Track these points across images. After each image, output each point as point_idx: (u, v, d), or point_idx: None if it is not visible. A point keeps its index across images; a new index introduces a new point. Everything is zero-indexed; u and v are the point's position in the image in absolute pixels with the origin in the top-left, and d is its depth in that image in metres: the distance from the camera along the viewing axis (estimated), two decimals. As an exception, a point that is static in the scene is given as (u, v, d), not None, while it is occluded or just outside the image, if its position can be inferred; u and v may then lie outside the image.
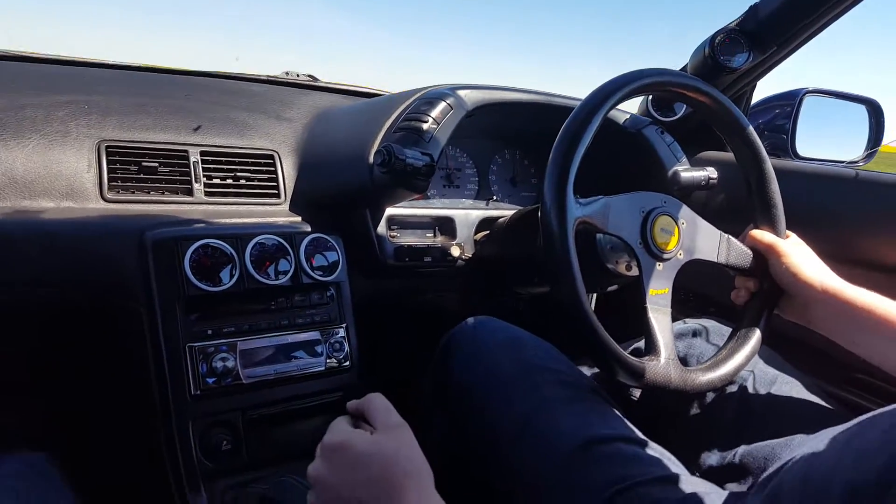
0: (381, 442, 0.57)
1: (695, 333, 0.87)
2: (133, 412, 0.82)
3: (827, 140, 1.17)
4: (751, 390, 0.77)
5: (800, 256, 0.76)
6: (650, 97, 1.16)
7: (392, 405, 0.62)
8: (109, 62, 1.04)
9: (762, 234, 0.78)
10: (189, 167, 0.90)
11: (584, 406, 0.71)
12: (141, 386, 0.79)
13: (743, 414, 0.76)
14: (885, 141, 1.14)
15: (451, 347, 0.80)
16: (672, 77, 0.75)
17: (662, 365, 0.68)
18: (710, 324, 0.89)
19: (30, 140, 0.81)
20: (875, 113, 1.15)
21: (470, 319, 0.83)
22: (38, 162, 0.80)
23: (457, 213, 1.04)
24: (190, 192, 0.90)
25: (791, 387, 0.77)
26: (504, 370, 0.74)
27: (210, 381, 0.79)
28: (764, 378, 0.78)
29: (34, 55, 0.98)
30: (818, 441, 0.60)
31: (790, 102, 1.11)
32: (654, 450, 0.66)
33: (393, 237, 0.98)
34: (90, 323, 0.83)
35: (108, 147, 0.85)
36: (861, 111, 1.15)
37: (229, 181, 0.93)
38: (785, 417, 0.73)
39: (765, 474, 0.68)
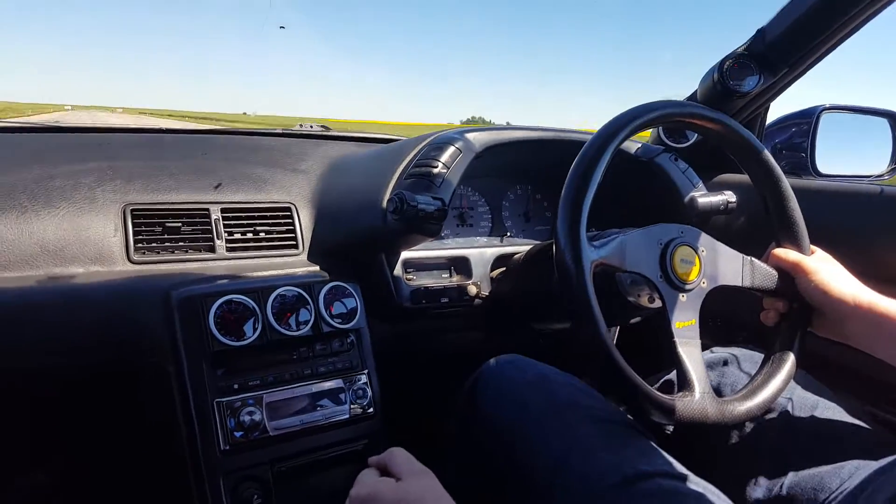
0: (408, 488, 0.57)
1: (725, 363, 0.85)
2: (163, 470, 0.83)
3: (849, 156, 1.14)
4: (792, 416, 0.75)
5: (828, 272, 0.73)
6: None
7: (413, 456, 0.62)
8: (129, 126, 1.09)
9: (786, 253, 0.76)
10: (210, 225, 0.93)
11: (619, 442, 0.69)
12: (170, 444, 0.81)
13: (786, 442, 0.73)
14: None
15: (479, 387, 0.79)
16: (679, 108, 0.75)
17: (698, 400, 0.66)
18: (739, 352, 0.86)
19: (59, 209, 0.85)
20: (897, 125, 1.12)
21: (496, 358, 0.82)
22: (67, 229, 0.84)
23: (471, 252, 1.04)
24: (212, 249, 0.92)
25: (833, 411, 0.75)
26: (534, 409, 0.73)
27: (238, 434, 0.80)
28: (804, 403, 0.76)
29: (62, 126, 1.04)
30: (868, 466, 0.57)
31: (807, 120, 1.09)
32: (697, 484, 0.64)
33: (409, 280, 0.99)
34: (119, 384, 0.86)
35: (133, 210, 0.89)
36: (883, 125, 1.13)
37: (249, 235, 0.96)
38: (831, 443, 0.70)
39: (818, 502, 0.65)
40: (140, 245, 0.88)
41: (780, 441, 0.74)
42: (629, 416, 0.87)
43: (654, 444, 0.70)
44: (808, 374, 0.81)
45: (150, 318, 0.82)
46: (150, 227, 0.90)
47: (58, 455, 0.89)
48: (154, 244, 0.90)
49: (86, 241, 0.85)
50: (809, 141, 1.08)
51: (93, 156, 0.95)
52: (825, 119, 1.09)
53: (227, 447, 0.79)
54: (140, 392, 0.85)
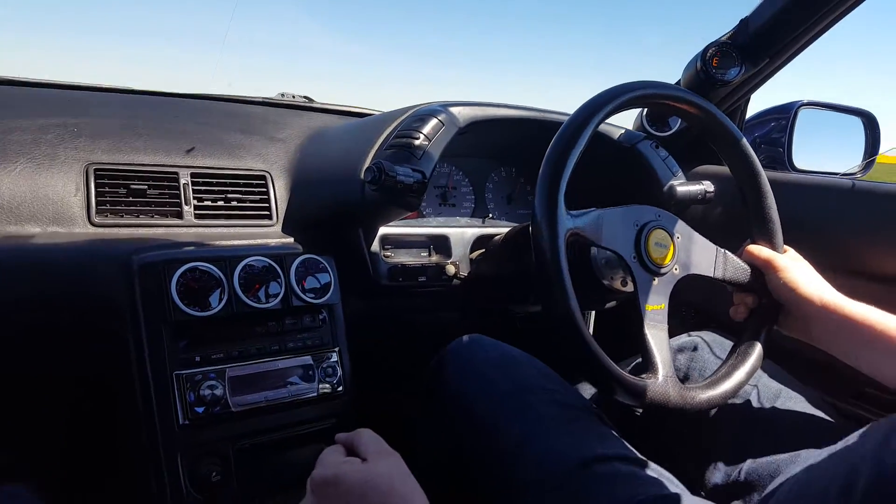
0: (373, 470, 0.55)
1: (696, 347, 0.86)
2: (118, 443, 0.79)
3: (823, 152, 1.16)
4: (755, 405, 0.76)
5: (798, 271, 0.75)
6: (644, 112, 1.16)
7: (381, 437, 0.61)
8: (101, 86, 1.04)
9: (759, 250, 0.78)
10: (179, 189, 0.89)
11: (579, 425, 0.70)
12: (127, 416, 0.77)
13: (747, 429, 0.75)
14: (881, 151, 1.13)
15: (444, 365, 0.79)
16: (662, 90, 0.75)
17: (660, 383, 0.66)
18: (711, 337, 0.87)
19: (16, 164, 0.80)
20: (870, 125, 1.14)
21: (463, 337, 0.82)
22: (24, 186, 0.79)
23: (452, 232, 1.02)
24: (179, 215, 0.88)
25: (796, 401, 0.76)
26: (498, 388, 0.73)
27: (198, 410, 0.76)
28: (768, 392, 0.77)
29: (22, 79, 0.98)
30: (819, 455, 0.59)
31: (785, 115, 1.11)
32: (653, 469, 0.65)
33: (387, 256, 0.97)
34: (75, 350, 0.81)
35: (96, 170, 0.84)
36: (857, 123, 1.15)
37: (220, 203, 0.92)
38: (790, 432, 0.72)
39: (769, 489, 0.66)
40: (102, 207, 0.84)
41: (742, 428, 0.75)
42: (598, 395, 0.87)
43: (613, 431, 0.71)
44: (776, 365, 0.82)
45: (110, 282, 0.78)
46: (114, 189, 0.85)
47: (11, 423, 0.84)
48: (118, 207, 0.85)
49: (44, 199, 0.80)
50: (787, 136, 1.10)
51: (57, 111, 0.90)
52: (802, 115, 1.11)
53: (186, 422, 0.76)
54: (95, 360, 0.80)
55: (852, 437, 0.56)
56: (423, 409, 0.80)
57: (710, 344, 0.85)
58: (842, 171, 1.13)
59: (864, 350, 0.68)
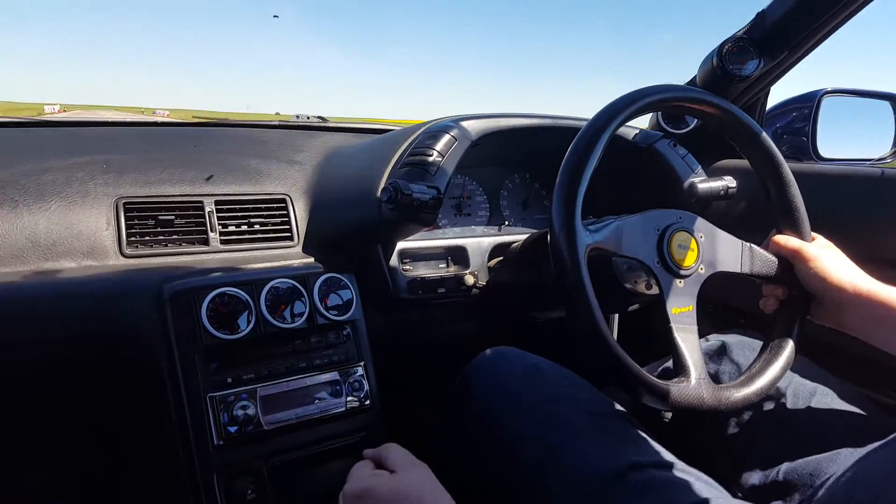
0: (402, 480, 0.56)
1: (723, 349, 0.84)
2: (157, 466, 0.82)
3: (851, 139, 1.13)
4: (790, 405, 0.75)
5: (828, 259, 0.73)
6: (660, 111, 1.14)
7: (408, 451, 0.61)
8: (124, 120, 1.08)
9: (786, 240, 0.76)
10: (204, 217, 0.92)
11: (612, 434, 0.69)
12: (163, 439, 0.80)
13: (783, 430, 0.73)
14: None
15: (471, 380, 0.79)
16: (676, 93, 0.74)
17: (693, 385, 0.65)
18: (736, 339, 0.86)
19: (51, 202, 0.84)
20: (899, 107, 1.10)
21: (488, 351, 0.82)
22: (59, 223, 0.83)
23: (469, 242, 1.03)
24: (206, 242, 0.91)
25: (832, 398, 0.74)
26: (525, 401, 0.73)
27: (232, 429, 0.79)
28: (802, 391, 0.76)
29: (54, 120, 1.03)
30: (864, 454, 0.57)
31: (808, 104, 1.08)
32: (690, 474, 0.64)
33: (406, 270, 0.98)
34: (111, 378, 0.84)
35: (125, 204, 0.88)
36: (885, 107, 1.11)
37: (244, 227, 0.95)
38: (828, 430, 0.70)
39: (811, 490, 0.65)
40: (133, 238, 0.87)
41: (777, 429, 0.74)
42: (626, 400, 0.86)
43: (647, 436, 0.69)
44: (807, 360, 0.80)
45: (143, 311, 0.81)
46: (143, 221, 0.89)
47: (50, 451, 0.88)
48: (147, 237, 0.89)
49: (78, 235, 0.84)
50: (811, 125, 1.07)
51: (85, 149, 0.94)
52: (826, 103, 1.08)
53: (221, 442, 0.78)
54: (132, 386, 0.84)
55: None
56: (449, 422, 0.80)
57: (735, 345, 0.84)
58: (871, 157, 1.10)
59: None
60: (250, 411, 0.80)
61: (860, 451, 0.62)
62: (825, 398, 0.74)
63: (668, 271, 0.70)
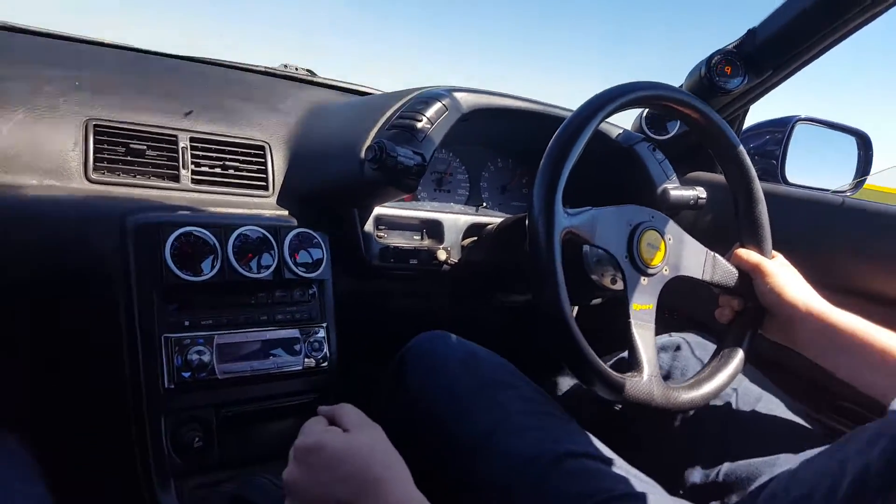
0: (355, 439, 0.56)
1: (679, 347, 0.87)
2: (104, 403, 0.79)
3: (815, 168, 1.18)
4: (735, 407, 0.78)
5: (785, 277, 0.76)
6: (644, 114, 1.17)
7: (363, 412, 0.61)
8: (106, 41, 1.02)
9: (748, 254, 0.79)
10: (177, 153, 0.88)
11: (548, 422, 0.71)
12: (113, 376, 0.77)
13: (727, 431, 0.76)
14: (872, 172, 1.15)
15: (407, 361, 0.79)
16: (666, 91, 0.75)
17: (645, 382, 0.68)
18: (693, 338, 0.89)
19: (15, 112, 0.79)
20: (864, 145, 1.16)
21: (426, 333, 0.82)
22: (22, 136, 0.78)
23: (446, 217, 1.03)
24: (176, 179, 0.88)
25: (776, 406, 0.78)
26: (464, 385, 0.74)
27: (185, 374, 0.77)
28: (748, 396, 0.79)
29: (27, 27, 0.96)
30: (801, 458, 0.60)
31: (782, 129, 1.13)
32: (622, 467, 0.66)
33: (380, 237, 0.97)
34: (65, 306, 0.80)
35: (96, 126, 0.83)
36: (851, 142, 1.17)
37: (217, 170, 0.92)
38: (769, 436, 0.73)
39: (748, 491, 0.68)
40: (100, 164, 0.83)
41: (721, 429, 0.76)
42: (579, 390, 0.88)
43: (583, 428, 0.71)
44: (756, 371, 0.84)
45: (104, 241, 0.78)
46: (113, 147, 0.84)
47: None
48: (115, 165, 0.84)
49: (41, 151, 0.79)
50: (782, 149, 1.11)
51: (57, 63, 0.89)
52: (799, 129, 1.13)
53: (172, 386, 0.76)
54: (85, 318, 0.80)
55: (836, 443, 0.57)
56: (385, 404, 0.79)
57: (693, 345, 0.87)
58: (833, 188, 1.15)
59: (844, 356, 0.70)
60: (205, 357, 0.78)
61: (797, 457, 0.66)
62: (768, 406, 0.77)
63: (634, 268, 0.72)
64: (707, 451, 0.75)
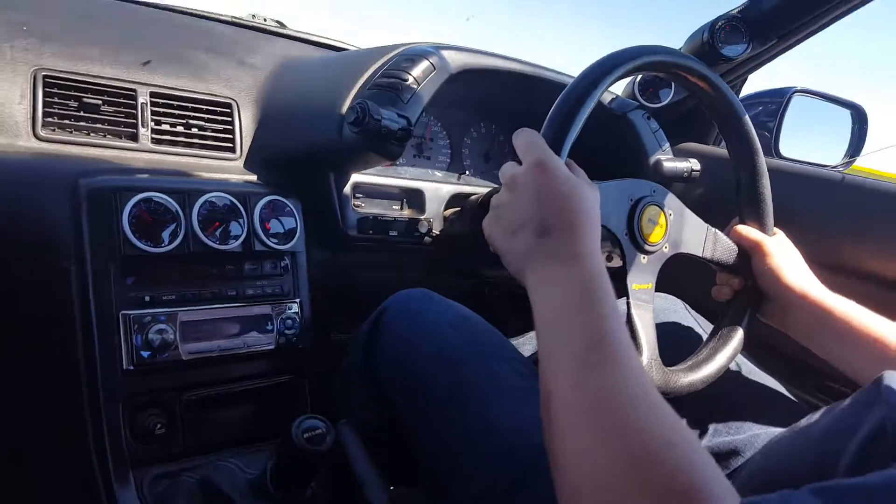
0: (582, 182, 0.56)
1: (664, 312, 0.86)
2: (55, 387, 0.72)
3: (809, 141, 1.15)
4: (719, 385, 0.76)
5: (784, 258, 0.74)
6: (637, 80, 1.12)
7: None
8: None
9: (748, 230, 0.76)
10: (136, 109, 0.80)
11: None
12: (65, 357, 0.70)
13: (707, 409, 0.75)
14: (864, 149, 1.13)
15: (388, 320, 0.75)
16: (676, 58, 0.70)
17: (645, 365, 0.65)
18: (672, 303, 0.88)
19: None
20: (859, 119, 1.13)
21: (407, 291, 0.78)
22: None
23: (427, 186, 0.97)
24: (135, 138, 0.80)
25: (755, 387, 0.77)
26: (456, 350, 0.70)
27: (145, 354, 0.71)
28: (734, 374, 0.78)
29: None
30: (774, 438, 0.60)
31: (778, 100, 1.09)
32: None
33: (357, 206, 0.91)
34: (9, 280, 0.72)
35: (45, 77, 0.75)
36: (846, 116, 1.14)
37: (180, 129, 0.84)
38: (749, 414, 0.73)
39: (729, 469, 0.68)
40: (49, 120, 0.75)
41: (701, 407, 0.75)
42: None
43: None
44: (744, 351, 0.82)
45: (53, 207, 0.70)
46: (64, 101, 0.76)
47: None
48: (66, 121, 0.76)
49: None
50: (777, 121, 1.07)
51: (6, 3, 0.79)
52: (794, 101, 1.09)
53: (131, 367, 0.70)
54: (33, 293, 0.72)
55: (821, 419, 0.57)
56: (361, 367, 0.75)
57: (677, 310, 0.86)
58: (825, 163, 1.13)
59: (838, 344, 0.69)
60: (168, 336, 0.72)
61: (779, 435, 0.65)
62: (749, 385, 0.77)
63: (634, 245, 0.68)
64: (690, 426, 0.74)
